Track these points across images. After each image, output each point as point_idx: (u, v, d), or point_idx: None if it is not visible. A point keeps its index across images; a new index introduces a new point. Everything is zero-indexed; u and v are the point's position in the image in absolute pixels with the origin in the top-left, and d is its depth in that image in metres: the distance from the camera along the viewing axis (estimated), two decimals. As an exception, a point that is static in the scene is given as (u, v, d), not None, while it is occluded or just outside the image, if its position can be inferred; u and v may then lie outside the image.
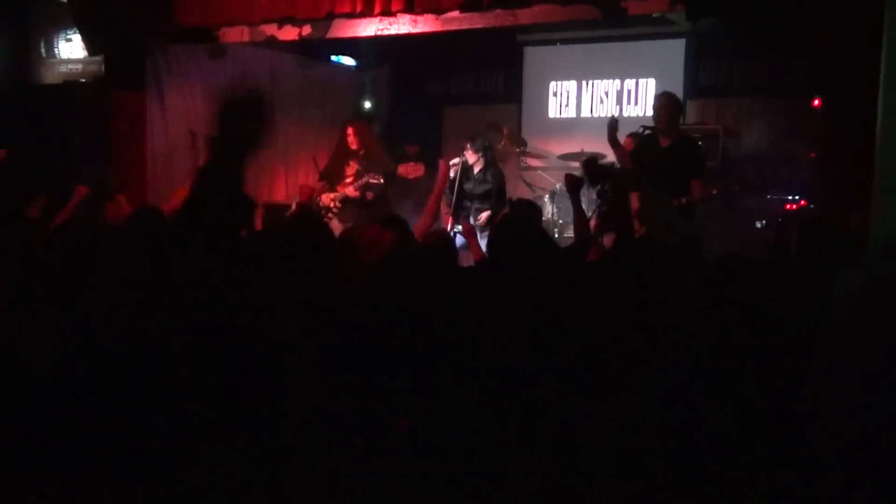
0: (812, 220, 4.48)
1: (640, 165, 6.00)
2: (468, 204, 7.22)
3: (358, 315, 2.40)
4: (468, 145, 7.20)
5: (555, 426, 2.19)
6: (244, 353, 2.30)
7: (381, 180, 7.58)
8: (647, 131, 6.08)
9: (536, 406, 2.24)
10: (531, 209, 5.33)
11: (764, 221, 7.14)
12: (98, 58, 7.49)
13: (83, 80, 7.82)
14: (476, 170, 7.21)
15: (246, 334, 2.35)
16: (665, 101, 6.02)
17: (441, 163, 5.82)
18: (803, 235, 4.10)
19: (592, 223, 6.63)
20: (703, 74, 8.86)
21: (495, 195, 7.15)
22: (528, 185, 8.67)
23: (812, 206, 7.07)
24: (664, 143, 5.92)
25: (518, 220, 4.16)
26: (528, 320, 2.60)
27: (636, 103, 9.22)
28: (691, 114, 8.63)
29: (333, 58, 9.60)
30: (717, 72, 8.84)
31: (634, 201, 5.87)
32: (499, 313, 2.77)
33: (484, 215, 7.08)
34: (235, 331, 2.37)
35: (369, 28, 6.61)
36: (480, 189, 7.19)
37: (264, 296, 2.81)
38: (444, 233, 5.62)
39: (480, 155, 7.18)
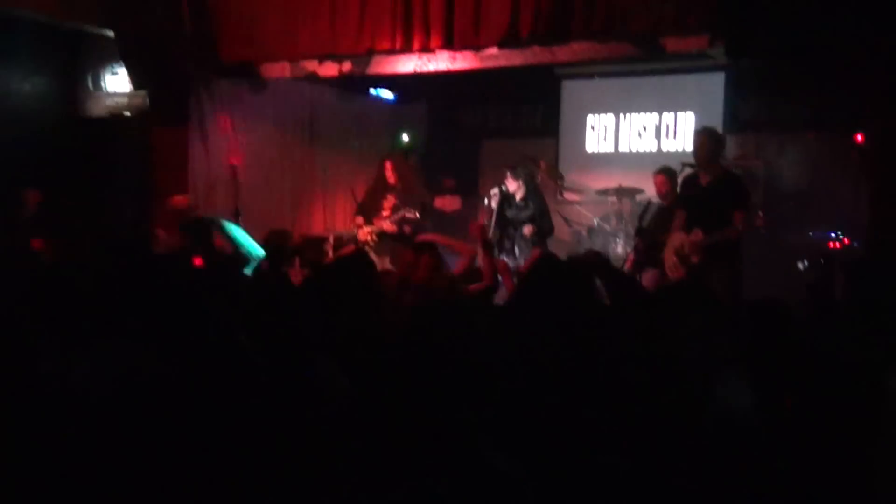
0: (858, 262, 4.37)
1: (682, 204, 5.93)
2: (512, 231, 7.24)
3: (398, 359, 2.42)
4: (508, 174, 7.25)
5: (593, 477, 2.16)
6: (287, 389, 2.34)
7: (418, 215, 7.62)
8: (688, 169, 6.02)
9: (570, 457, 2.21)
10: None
11: (806, 262, 6.99)
12: (143, 91, 7.65)
13: (128, 114, 7.98)
14: (518, 197, 7.25)
15: (289, 372, 2.39)
16: (704, 138, 5.93)
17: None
18: (849, 278, 3.98)
19: (629, 260, 6.61)
20: (742, 108, 8.77)
21: (538, 216, 7.20)
22: (566, 220, 8.62)
23: (856, 243, 6.94)
24: (705, 180, 5.80)
25: (547, 266, 4.09)
26: (553, 367, 2.57)
27: (675, 137, 9.15)
28: (731, 148, 8.52)
29: (372, 91, 9.69)
30: (757, 105, 8.75)
31: (675, 239, 5.83)
32: (525, 359, 2.73)
33: (528, 228, 7.10)
34: (281, 368, 2.41)
35: (408, 64, 6.69)
36: (523, 215, 7.22)
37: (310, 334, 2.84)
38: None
39: (521, 182, 7.23)
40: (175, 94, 7.46)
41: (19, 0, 6.69)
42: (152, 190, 7.71)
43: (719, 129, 8.11)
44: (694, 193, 5.83)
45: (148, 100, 7.67)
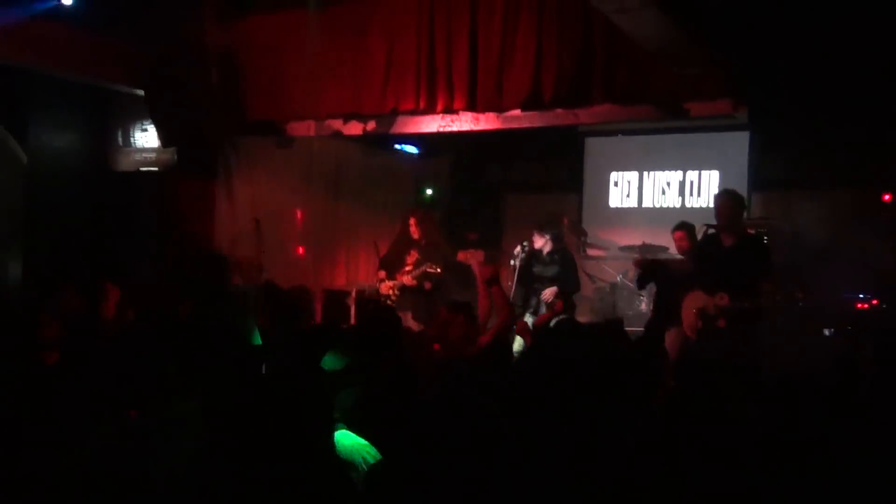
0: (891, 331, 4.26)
1: (702, 265, 5.87)
2: (538, 286, 7.16)
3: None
4: (535, 233, 7.16)
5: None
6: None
7: (440, 270, 7.60)
8: (712, 230, 5.96)
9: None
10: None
11: (832, 329, 6.85)
12: (171, 148, 7.78)
13: (156, 169, 8.11)
14: (545, 251, 7.16)
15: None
16: (725, 200, 5.85)
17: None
18: (881, 350, 3.87)
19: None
20: (767, 166, 8.73)
21: (564, 273, 7.07)
22: (589, 276, 8.58)
23: (885, 305, 6.82)
24: (727, 241, 5.74)
25: (563, 331, 4.07)
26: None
27: (699, 195, 9.13)
28: (756, 207, 8.48)
29: (397, 145, 9.78)
30: (782, 164, 8.70)
31: (696, 299, 5.76)
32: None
33: (549, 291, 6.99)
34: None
35: (432, 125, 6.77)
36: (550, 272, 7.10)
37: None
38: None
39: (549, 238, 7.14)
40: (202, 150, 7.58)
41: (53, 59, 6.85)
42: (178, 242, 7.80)
43: (744, 188, 8.17)
44: (716, 255, 5.75)
45: (176, 156, 7.80)
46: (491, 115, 6.48)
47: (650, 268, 5.90)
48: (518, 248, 7.29)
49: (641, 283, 6.87)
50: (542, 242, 7.17)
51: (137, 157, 8.22)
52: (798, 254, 7.99)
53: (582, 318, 8.55)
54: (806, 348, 6.22)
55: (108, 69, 7.25)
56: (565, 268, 7.14)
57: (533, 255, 7.19)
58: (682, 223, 6.89)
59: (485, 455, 2.21)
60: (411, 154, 10.03)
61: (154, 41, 7.06)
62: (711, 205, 8.73)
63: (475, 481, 2.16)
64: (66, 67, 7.05)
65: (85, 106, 8.09)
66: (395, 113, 6.81)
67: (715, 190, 8.91)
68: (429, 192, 9.85)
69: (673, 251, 7.31)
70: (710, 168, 9.07)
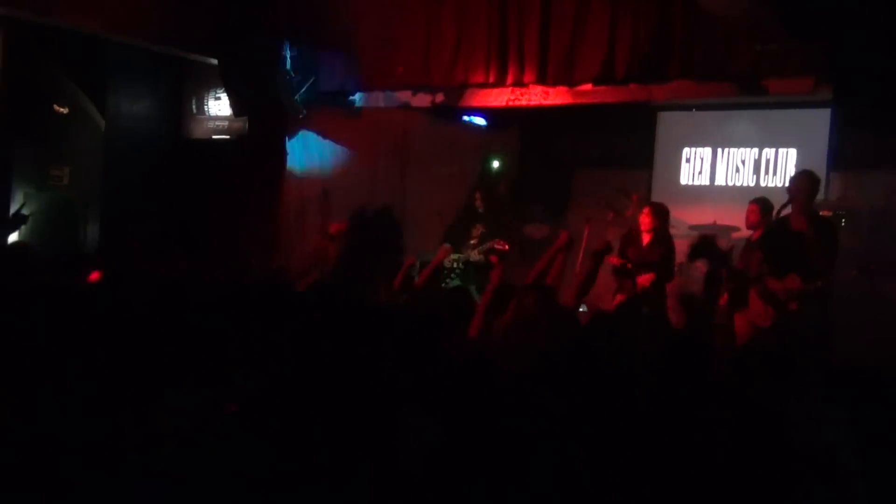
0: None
1: (771, 249, 5.66)
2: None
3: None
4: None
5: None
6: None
7: (507, 247, 7.56)
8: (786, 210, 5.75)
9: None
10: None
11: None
12: (243, 116, 7.89)
13: (228, 137, 8.25)
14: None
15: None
16: (805, 182, 5.62)
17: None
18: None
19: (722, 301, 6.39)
20: (849, 146, 8.37)
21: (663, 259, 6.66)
22: (657, 254, 8.41)
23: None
24: (798, 224, 5.53)
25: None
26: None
27: (775, 173, 8.83)
28: (835, 188, 8.17)
29: (465, 117, 9.71)
30: (864, 143, 8.33)
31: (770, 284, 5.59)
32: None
33: (645, 276, 6.55)
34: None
35: (501, 98, 6.70)
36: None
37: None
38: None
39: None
40: (273, 119, 7.66)
41: (129, 29, 6.98)
42: (247, 208, 7.94)
43: (823, 167, 7.87)
44: (785, 237, 5.55)
45: (247, 124, 7.91)
46: (561, 89, 6.37)
47: (703, 245, 5.69)
48: None
49: (692, 257, 6.56)
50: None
51: (210, 125, 8.39)
52: (878, 236, 7.71)
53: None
54: (881, 330, 5.98)
55: (182, 39, 7.36)
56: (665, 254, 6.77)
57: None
58: (760, 198, 6.63)
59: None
60: (479, 126, 9.95)
61: (228, 10, 7.13)
62: (788, 184, 8.64)
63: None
64: (141, 37, 7.18)
65: (160, 74, 8.28)
66: (464, 86, 6.77)
67: (792, 169, 8.62)
68: (496, 164, 9.77)
69: (745, 231, 7.12)
70: (787, 146, 8.75)
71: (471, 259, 7.71)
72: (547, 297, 4.38)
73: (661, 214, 6.70)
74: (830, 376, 3.33)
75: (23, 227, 5.67)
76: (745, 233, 7.06)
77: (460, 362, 3.21)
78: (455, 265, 7.77)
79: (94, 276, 4.55)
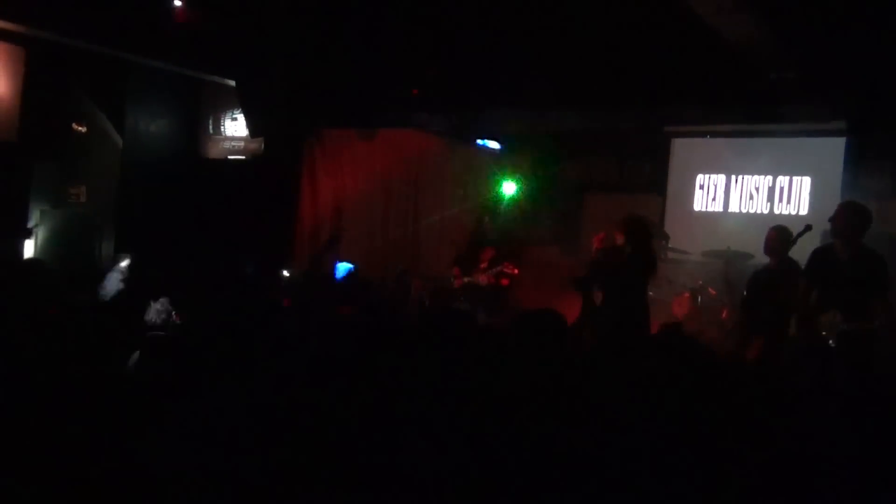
0: None
1: (815, 279, 5.43)
2: None
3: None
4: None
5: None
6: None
7: (517, 271, 7.59)
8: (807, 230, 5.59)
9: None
10: None
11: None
12: (259, 137, 7.95)
13: (243, 157, 8.30)
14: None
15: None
16: (851, 214, 5.15)
17: None
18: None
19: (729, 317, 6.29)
20: (864, 176, 8.32)
21: None
22: (669, 280, 8.39)
23: None
24: (844, 255, 5.14)
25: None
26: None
27: (788, 201, 8.80)
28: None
29: (479, 141, 9.74)
30: (880, 173, 8.29)
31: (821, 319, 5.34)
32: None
33: None
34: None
35: (516, 122, 6.70)
36: None
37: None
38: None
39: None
40: (289, 141, 7.73)
41: (149, 50, 7.06)
42: (262, 228, 7.98)
43: (836, 196, 7.81)
44: (830, 268, 5.17)
45: (263, 145, 7.97)
46: (576, 113, 6.39)
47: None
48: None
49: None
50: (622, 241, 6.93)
51: (226, 145, 8.46)
52: (892, 266, 7.60)
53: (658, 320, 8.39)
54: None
55: (202, 61, 7.44)
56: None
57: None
58: (780, 226, 6.51)
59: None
60: (493, 149, 9.98)
61: (249, 34, 7.21)
62: (802, 212, 8.58)
63: None
64: (161, 57, 7.26)
65: (179, 94, 8.35)
66: (479, 109, 6.79)
67: (806, 197, 8.59)
68: (508, 187, 9.79)
69: (759, 258, 7.07)
70: (801, 174, 8.72)
71: (480, 283, 7.72)
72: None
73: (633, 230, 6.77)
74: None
75: (27, 240, 5.69)
76: (760, 260, 7.03)
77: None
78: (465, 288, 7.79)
79: None
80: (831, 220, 5.22)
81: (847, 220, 5.13)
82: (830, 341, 5.01)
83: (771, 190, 8.93)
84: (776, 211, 8.80)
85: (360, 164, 8.37)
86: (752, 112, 5.84)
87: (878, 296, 4.95)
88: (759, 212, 8.94)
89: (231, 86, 7.56)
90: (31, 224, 5.82)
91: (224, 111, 8.39)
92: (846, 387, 4.80)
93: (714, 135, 9.07)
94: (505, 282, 7.77)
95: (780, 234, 6.30)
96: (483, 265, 7.79)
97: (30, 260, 5.45)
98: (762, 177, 8.96)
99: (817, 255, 5.32)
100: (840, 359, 4.90)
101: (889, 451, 2.72)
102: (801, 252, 5.63)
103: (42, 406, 2.61)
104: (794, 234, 5.77)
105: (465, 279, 7.78)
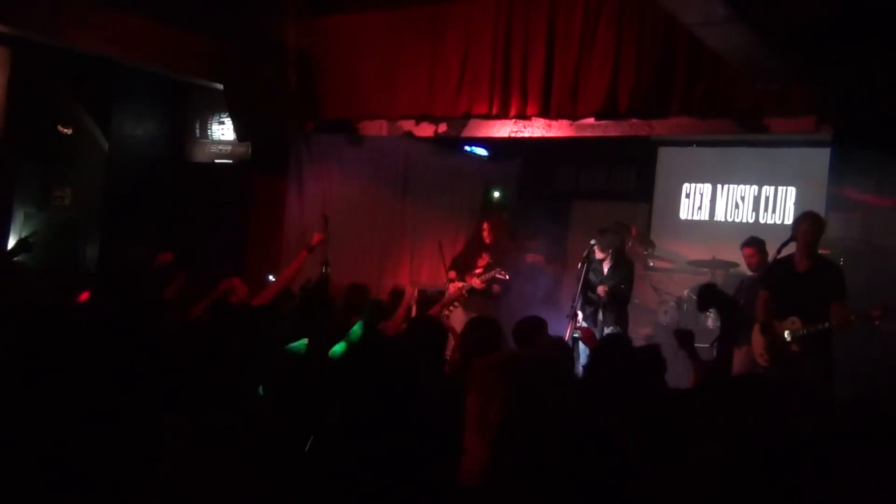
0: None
1: (775, 291, 5.64)
2: (593, 296, 7.01)
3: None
4: (595, 244, 6.99)
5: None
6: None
7: (508, 277, 7.64)
8: (785, 249, 5.74)
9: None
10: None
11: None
12: (246, 142, 7.92)
13: (230, 162, 8.27)
14: (605, 268, 7.02)
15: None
16: (810, 225, 5.58)
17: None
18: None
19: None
20: (850, 186, 8.36)
21: (619, 284, 6.95)
22: (654, 288, 8.43)
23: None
24: (802, 266, 5.50)
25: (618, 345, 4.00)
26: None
27: (774, 211, 8.87)
28: (835, 227, 8.16)
29: (467, 147, 9.76)
30: (865, 183, 8.33)
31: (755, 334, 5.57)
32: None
33: (601, 288, 6.89)
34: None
35: (503, 129, 6.71)
36: (607, 282, 6.96)
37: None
38: (562, 342, 5.49)
39: (608, 255, 7.01)
40: (276, 146, 7.70)
41: (135, 53, 7.02)
42: (248, 234, 7.95)
43: (821, 205, 7.88)
44: (788, 279, 5.54)
45: (250, 150, 7.94)
46: (564, 122, 6.39)
47: (709, 294, 5.74)
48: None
49: (701, 307, 6.65)
50: (602, 257, 7.02)
51: (213, 149, 8.42)
52: (879, 276, 7.67)
53: (644, 330, 8.42)
54: (882, 373, 5.94)
55: (188, 64, 7.40)
56: (622, 280, 6.96)
57: (589, 261, 7.03)
58: (752, 238, 6.72)
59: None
60: (481, 156, 10.01)
61: (235, 37, 7.18)
62: (787, 221, 8.63)
63: None
64: (148, 60, 7.22)
65: (165, 97, 8.32)
66: (467, 116, 6.78)
67: (791, 206, 8.66)
68: (497, 194, 9.81)
69: (743, 267, 7.13)
70: (787, 184, 8.80)
71: (474, 287, 7.79)
72: None
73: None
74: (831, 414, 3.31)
75: (27, 253, 5.63)
76: (744, 269, 7.07)
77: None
78: (459, 293, 7.82)
79: (84, 296, 4.56)
80: (793, 229, 5.47)
81: (811, 235, 5.39)
82: (793, 346, 5.21)
83: (756, 199, 9.00)
84: (761, 220, 8.87)
85: (347, 170, 8.35)
86: (739, 123, 5.84)
87: (836, 299, 5.23)
88: (744, 221, 9.01)
89: (219, 89, 7.52)
90: (28, 237, 5.74)
91: (211, 115, 8.35)
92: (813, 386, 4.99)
93: (700, 144, 9.15)
94: (497, 288, 7.80)
95: (758, 249, 6.46)
96: (478, 270, 7.87)
97: (7, 261, 5.38)
98: (748, 186, 9.03)
99: (778, 265, 5.52)
100: (806, 359, 5.10)
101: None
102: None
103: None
104: (774, 243, 5.87)
105: (460, 283, 7.87)
